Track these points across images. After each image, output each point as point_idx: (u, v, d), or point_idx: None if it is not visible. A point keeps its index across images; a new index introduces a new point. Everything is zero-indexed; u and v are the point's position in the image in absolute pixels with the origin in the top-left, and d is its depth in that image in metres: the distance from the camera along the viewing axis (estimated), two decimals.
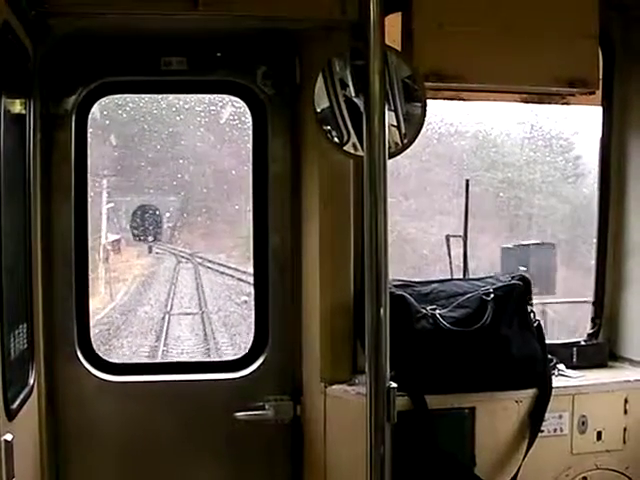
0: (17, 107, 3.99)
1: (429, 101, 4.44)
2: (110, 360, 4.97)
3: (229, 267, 9.46)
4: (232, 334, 7.67)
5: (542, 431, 4.58)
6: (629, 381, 4.83)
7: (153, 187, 7.16)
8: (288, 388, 4.85)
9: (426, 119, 4.44)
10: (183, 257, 10.21)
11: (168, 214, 7.62)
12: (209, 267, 10.11)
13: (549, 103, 4.99)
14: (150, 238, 7.87)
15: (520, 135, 6.55)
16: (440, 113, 5.86)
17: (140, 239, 7.86)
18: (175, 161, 6.87)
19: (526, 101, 4.97)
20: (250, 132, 4.91)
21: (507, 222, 7.51)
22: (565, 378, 4.84)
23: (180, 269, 10.25)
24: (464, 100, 4.88)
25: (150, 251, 9.66)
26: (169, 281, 10.10)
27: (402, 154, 4.45)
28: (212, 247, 9.30)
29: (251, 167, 4.91)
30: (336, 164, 4.54)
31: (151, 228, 7.55)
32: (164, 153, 6.85)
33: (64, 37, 4.47)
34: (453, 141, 6.48)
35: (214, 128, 6.47)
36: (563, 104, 4.98)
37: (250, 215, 4.91)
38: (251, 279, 5.09)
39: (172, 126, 6.44)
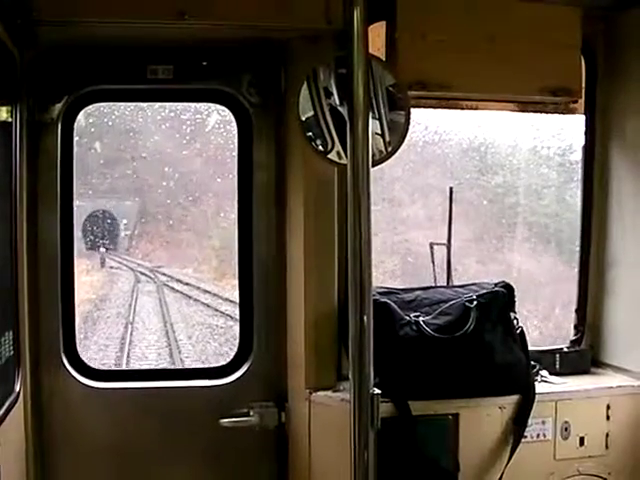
0: (3, 114, 4.01)
1: (414, 109, 4.48)
2: (96, 367, 4.99)
3: (207, 291, 7.81)
4: None
5: (525, 437, 4.61)
6: (611, 387, 4.86)
7: (110, 191, 6.72)
8: (273, 395, 4.86)
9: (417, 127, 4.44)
10: (142, 273, 8.48)
11: (126, 220, 7.10)
12: (178, 291, 8.14)
13: (537, 112, 5.03)
14: (102, 249, 7.03)
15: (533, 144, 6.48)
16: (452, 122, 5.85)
17: (92, 248, 6.97)
18: (134, 162, 6.58)
19: (514, 110, 5.02)
20: (235, 140, 4.93)
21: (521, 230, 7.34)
22: (548, 384, 4.87)
23: (139, 292, 8.28)
24: (448, 108, 4.92)
25: (103, 264, 8.17)
26: (124, 322, 7.64)
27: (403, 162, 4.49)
28: (176, 260, 8.06)
29: (236, 176, 4.93)
30: (321, 172, 4.56)
31: (105, 236, 6.75)
32: (124, 154, 6.54)
33: (51, 45, 4.49)
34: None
35: (178, 127, 6.36)
36: (547, 113, 5.03)
37: (223, 224, 4.87)
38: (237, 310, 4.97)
39: (132, 122, 6.29)
